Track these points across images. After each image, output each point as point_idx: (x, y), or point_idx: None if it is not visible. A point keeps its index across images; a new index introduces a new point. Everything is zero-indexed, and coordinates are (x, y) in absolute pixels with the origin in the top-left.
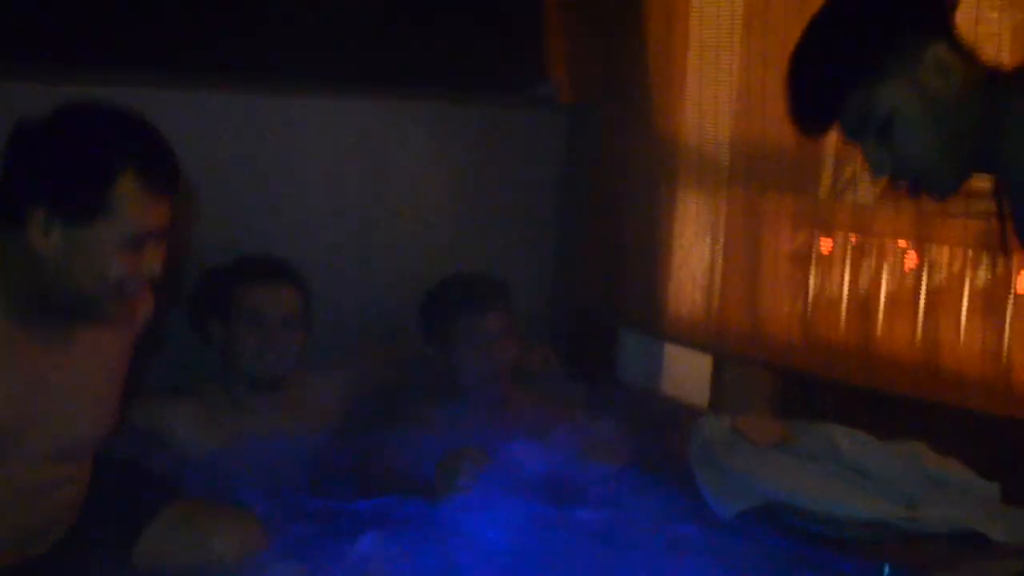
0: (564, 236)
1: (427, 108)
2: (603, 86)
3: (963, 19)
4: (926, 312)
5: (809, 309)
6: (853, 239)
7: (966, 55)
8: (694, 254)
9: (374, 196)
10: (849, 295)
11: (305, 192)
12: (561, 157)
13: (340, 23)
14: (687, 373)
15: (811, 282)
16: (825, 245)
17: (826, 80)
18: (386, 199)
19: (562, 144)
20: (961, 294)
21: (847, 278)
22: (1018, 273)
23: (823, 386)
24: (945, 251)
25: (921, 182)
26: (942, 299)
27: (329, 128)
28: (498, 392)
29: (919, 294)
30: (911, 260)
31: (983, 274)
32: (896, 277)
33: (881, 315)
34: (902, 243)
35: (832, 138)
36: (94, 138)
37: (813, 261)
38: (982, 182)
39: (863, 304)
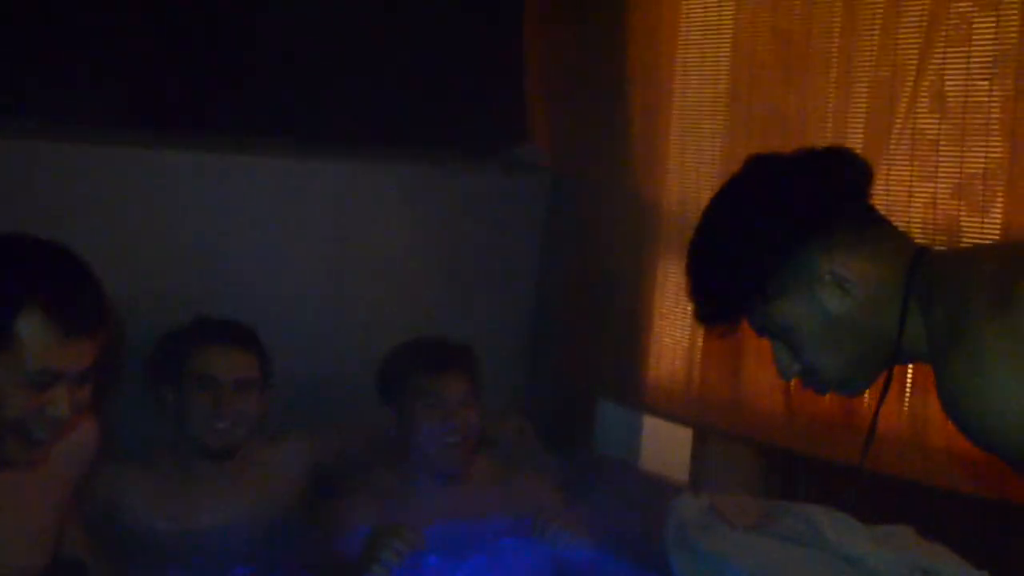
0: (543, 302)
1: (407, 172)
2: (585, 151)
3: (952, 87)
4: (913, 387)
5: (792, 385)
6: None
7: (880, 244)
8: (675, 323)
9: (352, 261)
10: None
11: (280, 256)
12: (542, 222)
13: (322, 85)
14: (667, 446)
15: None
16: None
17: (722, 296)
18: (364, 264)
19: (543, 209)
20: None
21: None
22: None
23: (807, 463)
24: None
25: (829, 388)
26: (929, 373)
27: (307, 191)
28: (456, 463)
29: (907, 369)
30: None
31: None
32: None
33: (869, 391)
34: None
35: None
36: (2, 267)
37: None
38: None
39: None
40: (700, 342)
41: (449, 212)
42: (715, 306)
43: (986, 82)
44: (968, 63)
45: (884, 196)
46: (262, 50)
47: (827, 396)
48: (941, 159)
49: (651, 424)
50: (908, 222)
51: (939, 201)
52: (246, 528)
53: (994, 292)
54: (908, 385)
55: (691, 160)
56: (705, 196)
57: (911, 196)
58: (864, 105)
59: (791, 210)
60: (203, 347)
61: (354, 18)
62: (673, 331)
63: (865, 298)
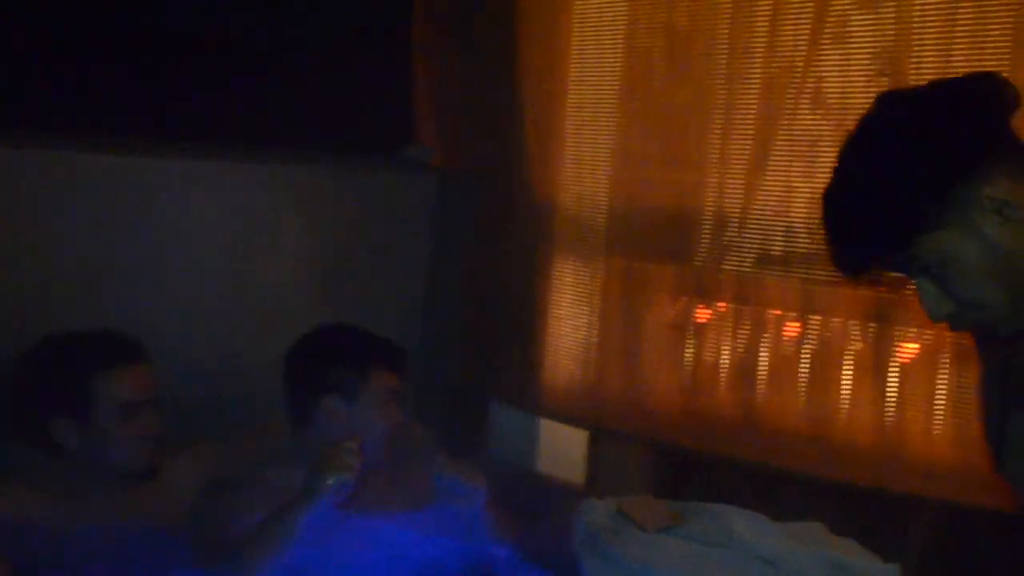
0: (435, 303)
1: (292, 171)
2: (476, 150)
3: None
4: (810, 383)
5: (689, 381)
6: (733, 308)
7: None
8: (570, 324)
9: (237, 261)
10: (730, 366)
11: (163, 258)
12: (432, 223)
13: (206, 85)
14: (563, 449)
15: (690, 353)
16: (704, 314)
17: (876, 238)
18: (249, 264)
19: (433, 209)
20: (843, 363)
21: (727, 348)
22: (902, 343)
23: (706, 462)
24: (828, 320)
25: (986, 326)
26: (826, 369)
27: (192, 192)
28: (382, 456)
29: (802, 364)
30: (793, 329)
31: (867, 344)
32: (778, 347)
33: (763, 386)
34: (782, 312)
35: (709, 204)
36: None
37: (692, 331)
38: None
39: (744, 375)
40: (596, 344)
41: (337, 212)
42: (868, 251)
43: (864, 80)
44: (848, 61)
45: (775, 197)
46: (150, 51)
47: (722, 397)
48: (821, 157)
49: (546, 427)
50: (790, 220)
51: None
52: (152, 542)
53: None
54: (804, 377)
55: (586, 157)
56: (601, 193)
57: (791, 193)
58: (754, 100)
59: (947, 134)
60: (114, 370)
61: (242, 18)
62: (568, 332)
63: None
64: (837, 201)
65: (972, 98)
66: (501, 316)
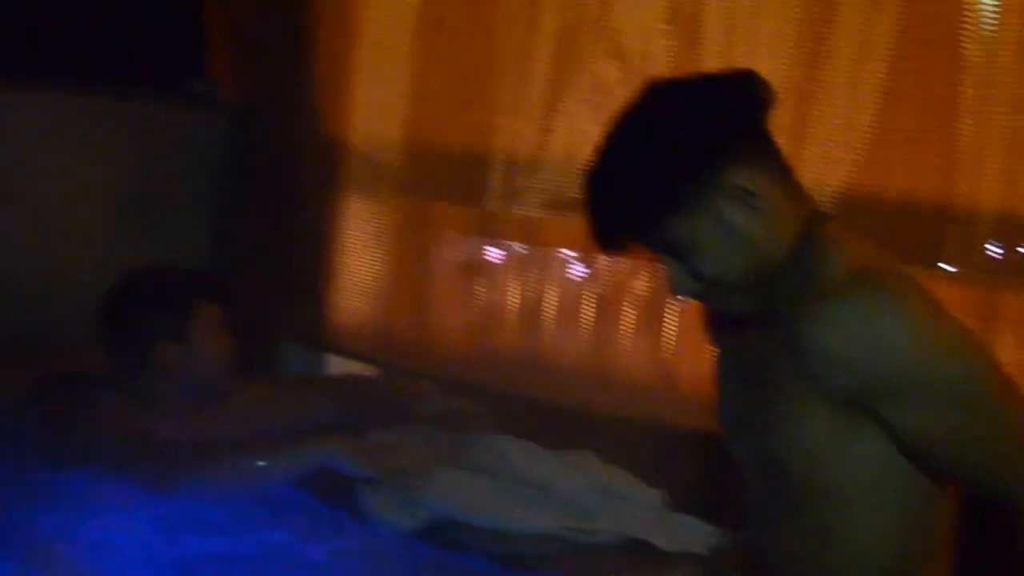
0: (222, 241)
1: (76, 103)
2: (267, 87)
3: (630, 37)
4: (594, 322)
5: (477, 320)
6: (521, 249)
7: (787, 179)
8: (360, 263)
9: (14, 196)
10: (518, 306)
11: None
12: (220, 159)
13: None
14: None
15: (479, 293)
16: (493, 255)
17: (630, 217)
18: (29, 199)
19: (222, 146)
20: (627, 304)
21: (515, 289)
22: None
23: (492, 398)
24: (611, 261)
25: (719, 303)
26: (609, 309)
27: None
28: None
29: (586, 304)
30: (578, 270)
31: (647, 284)
32: (563, 287)
33: (549, 325)
34: (569, 253)
35: (501, 147)
36: None
37: (481, 272)
38: None
39: (531, 314)
40: (386, 283)
41: (120, 146)
42: (622, 231)
43: (659, 32)
44: (643, 11)
45: (566, 141)
46: None
47: (509, 335)
48: (612, 104)
49: (336, 365)
50: (581, 164)
51: None
52: None
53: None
54: (588, 317)
55: (378, 99)
56: (393, 133)
57: (583, 138)
58: (549, 46)
59: (703, 125)
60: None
61: None
62: (359, 271)
63: (767, 217)
64: (596, 180)
65: (731, 92)
66: (290, 255)
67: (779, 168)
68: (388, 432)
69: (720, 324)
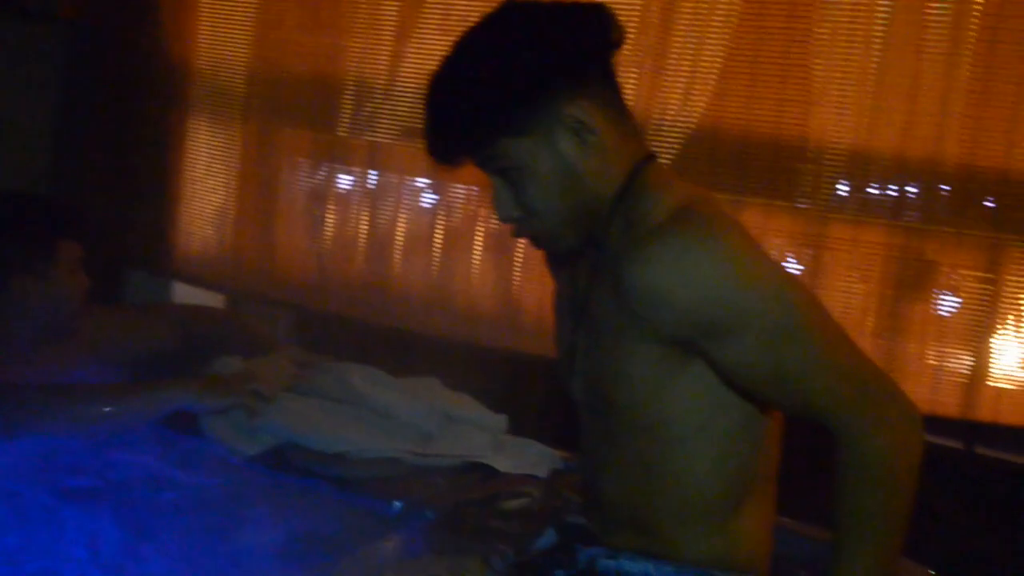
0: (61, 164)
1: None
2: (108, 3)
3: None
4: (442, 251)
5: (326, 247)
6: (372, 176)
7: (623, 120)
8: (206, 188)
9: None
10: (367, 234)
11: None
12: (59, 79)
13: None
14: None
15: (329, 220)
16: (343, 182)
17: (465, 131)
18: None
19: (60, 64)
20: (475, 234)
21: (365, 216)
22: None
23: (340, 324)
24: (461, 191)
25: (540, 237)
26: (457, 239)
27: None
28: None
29: (436, 233)
30: (429, 199)
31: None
32: (413, 216)
33: (399, 253)
34: (420, 181)
35: (349, 72)
36: None
37: (331, 199)
38: None
39: (381, 242)
40: (233, 209)
41: None
42: (455, 141)
43: None
44: None
45: (417, 67)
46: None
47: (359, 263)
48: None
49: (183, 292)
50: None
51: None
52: None
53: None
54: (437, 245)
55: (222, 22)
56: (239, 58)
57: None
58: None
59: (548, 51)
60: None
61: None
62: (204, 197)
63: (597, 154)
64: (437, 91)
65: (582, 24)
66: (134, 180)
67: (617, 107)
68: (233, 359)
69: (556, 259)
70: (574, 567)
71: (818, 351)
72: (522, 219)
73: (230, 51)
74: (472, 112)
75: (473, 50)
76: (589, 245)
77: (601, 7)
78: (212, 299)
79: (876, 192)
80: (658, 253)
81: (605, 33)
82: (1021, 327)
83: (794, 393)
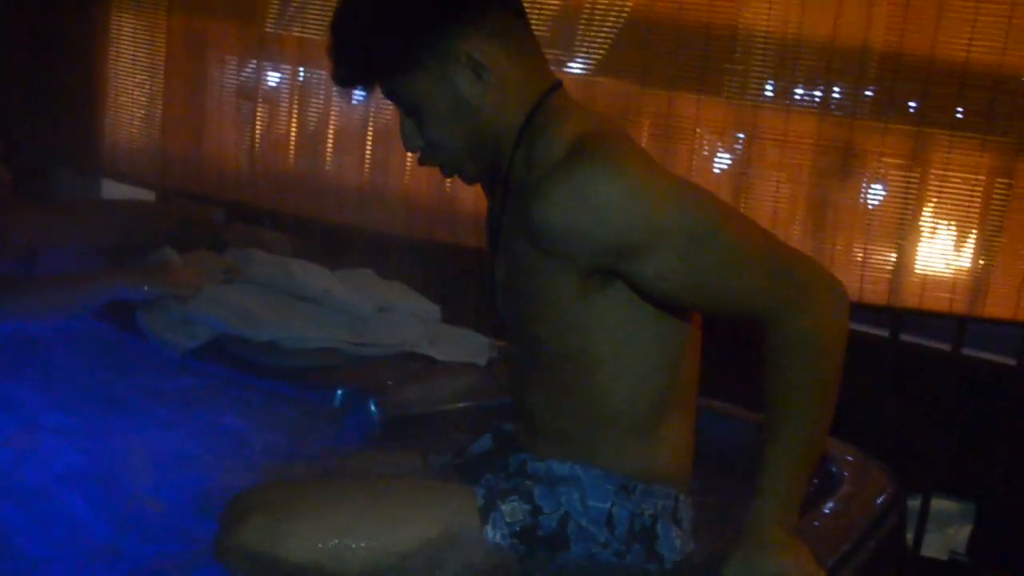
0: None
1: None
2: None
3: None
4: (374, 146)
5: (257, 143)
6: (301, 72)
7: (527, 53)
8: (132, 84)
9: None
10: (298, 129)
11: None
12: None
13: None
14: None
15: (258, 116)
16: (272, 78)
17: (363, 61)
18: None
19: None
20: None
21: (295, 112)
22: None
23: (273, 218)
24: None
25: (444, 166)
26: (388, 134)
27: None
28: None
29: (367, 129)
30: (358, 94)
31: None
32: (344, 112)
33: (330, 148)
34: None
35: None
36: None
37: (260, 94)
38: None
39: (312, 138)
40: (160, 105)
41: None
42: (354, 70)
43: None
44: None
45: None
46: None
47: (290, 158)
48: None
49: (111, 189)
50: None
51: None
52: None
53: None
54: (369, 139)
55: None
56: None
57: None
58: None
59: None
60: None
61: None
62: (130, 93)
63: (496, 90)
64: (336, 22)
65: None
66: (57, 76)
67: (522, 44)
68: (167, 251)
69: (485, 188)
70: (504, 470)
71: (734, 252)
72: (426, 150)
73: None
74: (367, 47)
75: None
76: (496, 179)
77: None
78: (142, 195)
79: (804, 84)
80: (560, 190)
81: None
82: (943, 216)
83: (718, 297)
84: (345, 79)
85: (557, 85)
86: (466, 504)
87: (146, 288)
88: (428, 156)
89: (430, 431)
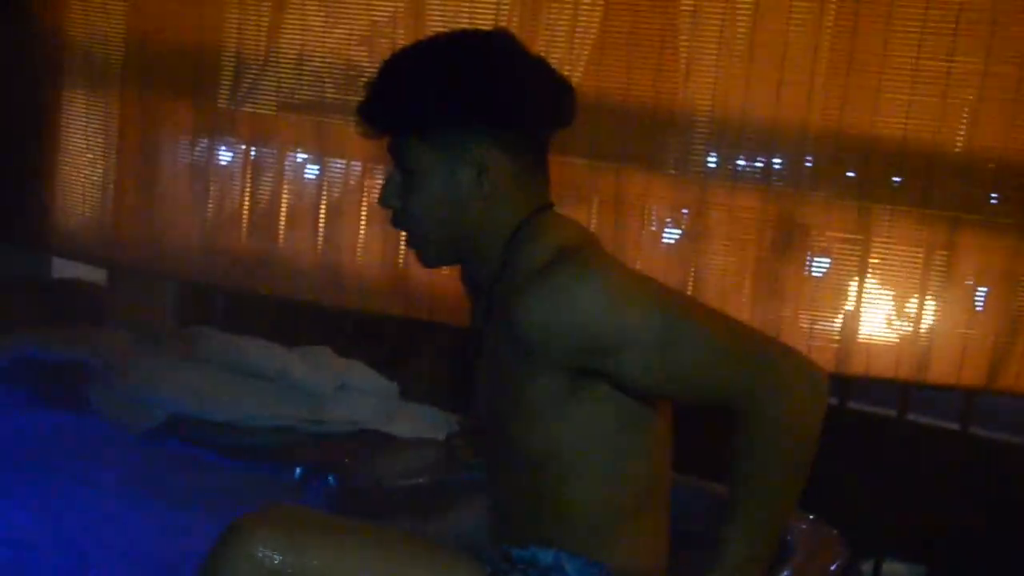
0: None
1: None
2: None
3: None
4: (327, 223)
5: (210, 220)
6: (253, 149)
7: (531, 177)
8: (84, 161)
9: None
10: (251, 205)
11: None
12: None
13: None
14: None
15: (212, 192)
16: (224, 155)
17: (393, 109)
18: None
19: None
20: (360, 206)
21: (247, 189)
22: None
23: (226, 296)
24: (345, 163)
25: (412, 240)
26: (341, 212)
27: None
28: None
29: (320, 206)
30: (311, 172)
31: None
32: (296, 189)
33: (283, 225)
34: (302, 155)
35: (228, 44)
36: None
37: (213, 171)
38: None
39: (264, 215)
40: (112, 182)
41: None
42: (377, 122)
43: None
44: None
45: (296, 39)
46: None
47: (243, 235)
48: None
49: (61, 266)
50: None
51: None
52: None
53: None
54: (322, 217)
55: None
56: (116, 24)
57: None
58: None
59: (490, 94)
60: None
61: None
62: (82, 170)
63: (488, 200)
64: (384, 71)
65: (538, 92)
66: (8, 153)
67: (530, 166)
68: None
69: (469, 291)
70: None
71: (704, 345)
72: (399, 213)
73: (105, 21)
74: (398, 103)
75: (439, 47)
76: (480, 285)
77: (570, 90)
78: (92, 274)
79: (747, 160)
80: (540, 292)
81: (553, 112)
82: (887, 287)
83: (694, 388)
84: (366, 115)
85: (549, 205)
86: (475, 573)
87: (62, 349)
88: (399, 220)
89: (390, 505)
